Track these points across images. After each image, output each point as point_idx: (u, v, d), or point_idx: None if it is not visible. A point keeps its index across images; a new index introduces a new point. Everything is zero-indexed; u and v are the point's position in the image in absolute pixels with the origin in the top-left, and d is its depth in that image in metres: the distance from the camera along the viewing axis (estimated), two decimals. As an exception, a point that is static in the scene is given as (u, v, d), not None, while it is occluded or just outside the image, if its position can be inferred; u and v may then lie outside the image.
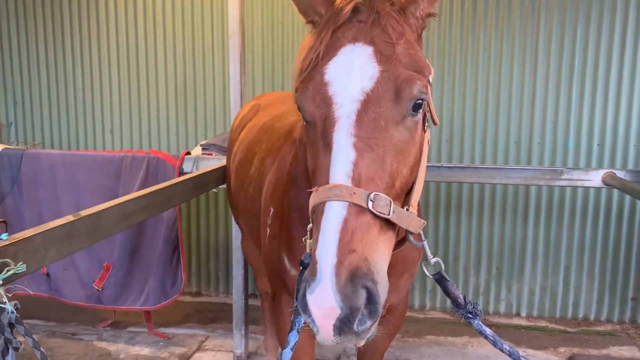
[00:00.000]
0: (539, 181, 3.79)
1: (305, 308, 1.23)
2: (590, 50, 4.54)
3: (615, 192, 4.60)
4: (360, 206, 1.27)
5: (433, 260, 1.54)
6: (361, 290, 1.20)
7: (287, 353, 1.53)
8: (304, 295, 1.23)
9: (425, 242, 1.51)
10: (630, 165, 4.59)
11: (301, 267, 1.49)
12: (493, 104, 4.73)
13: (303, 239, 1.52)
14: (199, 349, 4.20)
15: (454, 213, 4.87)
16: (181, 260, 4.21)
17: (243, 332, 3.97)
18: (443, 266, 1.54)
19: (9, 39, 5.44)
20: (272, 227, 2.06)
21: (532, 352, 4.19)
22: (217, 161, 3.86)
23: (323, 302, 1.19)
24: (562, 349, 4.24)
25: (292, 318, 1.57)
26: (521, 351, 4.20)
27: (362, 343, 1.27)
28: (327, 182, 1.33)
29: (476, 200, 4.82)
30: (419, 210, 2.01)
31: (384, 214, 1.30)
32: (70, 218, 2.12)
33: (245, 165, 2.73)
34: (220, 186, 3.61)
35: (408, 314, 4.84)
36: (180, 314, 4.85)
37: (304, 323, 1.52)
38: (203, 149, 4.22)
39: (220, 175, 3.54)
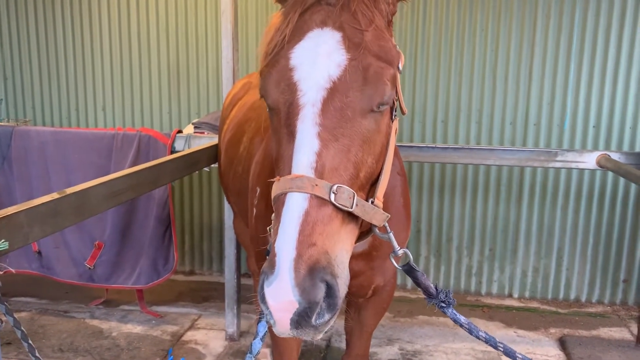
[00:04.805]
0: (533, 162, 3.78)
1: (263, 300, 1.21)
2: (588, 30, 4.48)
3: (610, 174, 4.59)
4: (322, 198, 1.25)
5: (400, 252, 1.51)
6: (320, 284, 1.18)
7: (257, 344, 1.51)
8: (262, 287, 1.21)
9: (391, 234, 1.48)
10: (626, 148, 4.57)
11: (267, 256, 1.47)
12: (489, 84, 4.68)
13: (267, 228, 1.48)
14: (191, 328, 4.21)
15: (448, 194, 4.85)
16: (173, 239, 4.20)
17: (235, 311, 3.97)
18: (411, 257, 1.51)
19: (-2, 14, 5.35)
20: (258, 207, 2.04)
21: (522, 333, 4.21)
22: (209, 140, 3.83)
23: (280, 296, 1.17)
24: (552, 330, 4.26)
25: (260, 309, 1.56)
26: (512, 332, 4.23)
27: (319, 336, 1.25)
28: (290, 172, 1.29)
29: (470, 181, 4.80)
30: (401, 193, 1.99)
31: (346, 206, 1.28)
32: (55, 196, 2.09)
33: (235, 144, 2.70)
34: (212, 165, 3.59)
35: (401, 294, 4.87)
36: (173, 293, 4.86)
37: None
38: (195, 127, 4.18)
39: (212, 154, 3.50)
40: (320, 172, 1.27)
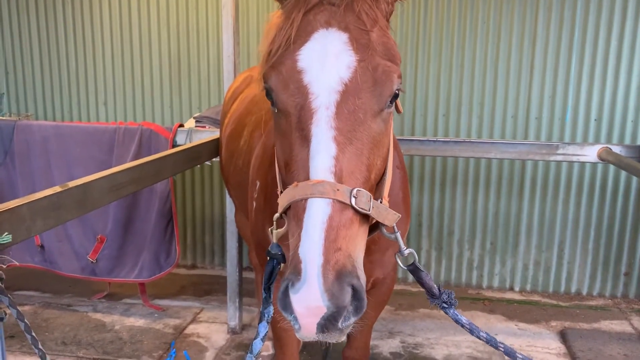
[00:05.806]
0: (534, 156, 3.77)
1: (287, 307, 1.21)
2: (590, 23, 4.46)
3: (612, 168, 4.58)
4: (344, 203, 1.25)
5: (407, 252, 1.51)
6: (347, 288, 1.19)
7: (258, 344, 1.49)
8: (285, 294, 1.20)
9: (398, 234, 1.48)
10: (627, 141, 4.56)
11: (268, 258, 1.45)
12: (491, 77, 4.67)
13: (269, 229, 1.47)
14: (193, 321, 4.23)
15: (449, 187, 4.85)
16: (175, 233, 4.21)
17: (237, 304, 3.99)
18: (417, 257, 1.52)
19: (-1, 8, 5.35)
20: (257, 201, 2.05)
21: (524, 326, 4.23)
22: (210, 133, 3.84)
23: (309, 302, 1.17)
24: (554, 323, 4.27)
25: (260, 309, 1.54)
26: (513, 325, 4.24)
27: (343, 338, 1.26)
28: (307, 177, 1.29)
29: (471, 174, 4.80)
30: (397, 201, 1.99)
31: (365, 209, 1.29)
32: (57, 189, 2.10)
33: (236, 138, 2.71)
34: (213, 159, 3.59)
35: (402, 287, 4.88)
36: (176, 287, 4.88)
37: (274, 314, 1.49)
38: (196, 121, 4.19)
39: (213, 147, 3.51)
40: (339, 177, 1.27)
